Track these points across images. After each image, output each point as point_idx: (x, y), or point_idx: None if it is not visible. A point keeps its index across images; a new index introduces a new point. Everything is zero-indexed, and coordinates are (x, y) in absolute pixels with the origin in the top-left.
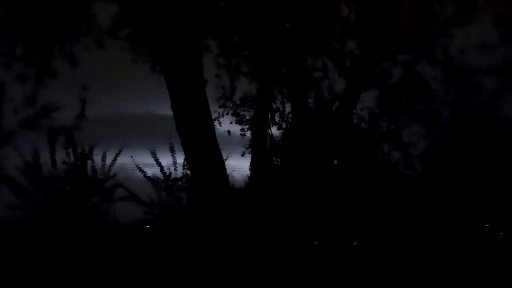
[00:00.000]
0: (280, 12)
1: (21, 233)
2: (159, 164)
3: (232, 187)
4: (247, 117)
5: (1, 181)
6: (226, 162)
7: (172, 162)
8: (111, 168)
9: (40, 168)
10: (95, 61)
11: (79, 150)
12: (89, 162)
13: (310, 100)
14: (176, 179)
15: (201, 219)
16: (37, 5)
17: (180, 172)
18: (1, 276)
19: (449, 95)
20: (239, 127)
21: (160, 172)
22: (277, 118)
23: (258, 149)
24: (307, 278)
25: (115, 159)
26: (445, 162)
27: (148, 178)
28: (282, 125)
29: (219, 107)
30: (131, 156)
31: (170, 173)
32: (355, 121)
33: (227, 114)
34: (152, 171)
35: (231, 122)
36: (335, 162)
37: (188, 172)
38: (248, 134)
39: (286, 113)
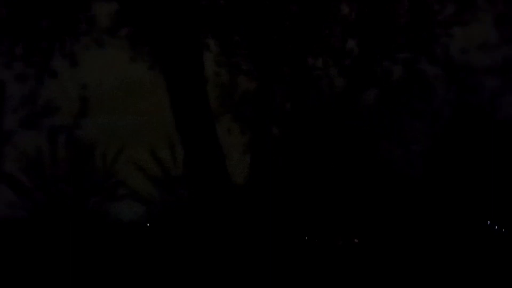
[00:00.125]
0: (280, 11)
1: (22, 232)
2: (159, 163)
3: (233, 185)
4: (248, 116)
5: (2, 180)
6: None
7: (172, 160)
8: (112, 166)
9: (41, 167)
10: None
11: (80, 149)
12: (90, 160)
13: (310, 99)
14: (176, 177)
15: (202, 217)
16: (37, 5)
17: (180, 170)
18: (1, 275)
19: (450, 94)
20: (240, 126)
21: (161, 171)
22: (277, 117)
23: (259, 148)
24: (307, 276)
25: (116, 158)
26: (445, 161)
27: (149, 176)
28: (282, 124)
29: (220, 105)
30: (132, 155)
31: (171, 171)
32: (355, 120)
33: (228, 112)
34: (153, 169)
35: (231, 121)
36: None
37: (189, 170)
38: (249, 132)
39: (286, 112)
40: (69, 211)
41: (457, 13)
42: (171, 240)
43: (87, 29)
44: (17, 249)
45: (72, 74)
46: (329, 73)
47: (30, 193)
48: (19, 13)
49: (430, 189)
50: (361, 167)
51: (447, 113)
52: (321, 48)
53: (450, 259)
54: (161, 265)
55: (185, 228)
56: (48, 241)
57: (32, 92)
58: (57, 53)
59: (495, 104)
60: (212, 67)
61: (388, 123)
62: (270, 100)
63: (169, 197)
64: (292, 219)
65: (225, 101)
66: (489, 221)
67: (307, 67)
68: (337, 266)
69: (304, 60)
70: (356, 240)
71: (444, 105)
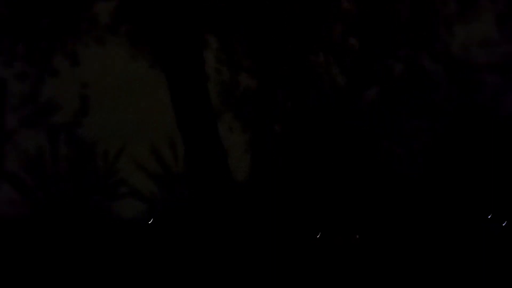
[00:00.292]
0: (281, 9)
1: (24, 231)
2: (161, 161)
3: (234, 183)
4: (249, 114)
5: (4, 179)
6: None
7: (173, 159)
8: (113, 165)
9: (43, 165)
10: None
11: (81, 147)
12: (91, 159)
13: (310, 98)
14: (178, 176)
15: (203, 216)
16: (38, 4)
17: (181, 168)
18: (2, 274)
19: (451, 92)
20: (241, 123)
21: (162, 169)
22: (278, 116)
23: (259, 146)
24: (308, 275)
25: (117, 156)
26: (446, 159)
27: (150, 174)
28: (283, 122)
29: (221, 103)
30: (133, 153)
31: (172, 169)
32: (356, 118)
33: (229, 110)
34: (154, 168)
35: (233, 119)
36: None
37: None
38: (250, 131)
39: (287, 110)
40: (70, 209)
41: (458, 11)
42: (173, 238)
43: (88, 27)
44: (19, 247)
45: (73, 73)
46: (330, 71)
47: (32, 192)
48: (20, 12)
49: (430, 188)
50: (361, 166)
51: (449, 111)
52: (322, 46)
53: (450, 257)
54: (162, 264)
55: (186, 226)
56: (49, 240)
57: (33, 91)
58: (58, 52)
59: (496, 102)
60: (213, 64)
61: (388, 122)
62: (271, 98)
63: (170, 195)
64: (292, 217)
65: (227, 99)
66: (490, 221)
67: (307, 65)
68: (337, 264)
69: (305, 58)
70: (357, 236)
71: (446, 103)
